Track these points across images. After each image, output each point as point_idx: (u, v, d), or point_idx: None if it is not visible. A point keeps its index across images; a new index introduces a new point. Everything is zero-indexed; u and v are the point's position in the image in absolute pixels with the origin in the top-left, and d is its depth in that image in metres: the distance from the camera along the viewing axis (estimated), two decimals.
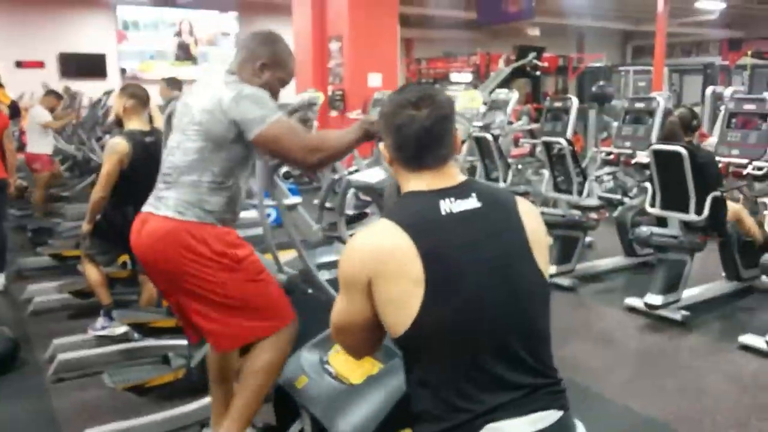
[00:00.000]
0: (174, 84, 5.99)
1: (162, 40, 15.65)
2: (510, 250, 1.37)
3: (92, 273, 3.88)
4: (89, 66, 14.45)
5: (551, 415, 1.33)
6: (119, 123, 3.91)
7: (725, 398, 3.34)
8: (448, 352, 1.32)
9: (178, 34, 15.78)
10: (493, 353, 1.32)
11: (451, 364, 1.32)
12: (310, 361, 2.57)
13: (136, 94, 3.86)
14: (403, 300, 1.31)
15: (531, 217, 1.44)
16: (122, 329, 3.77)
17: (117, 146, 3.72)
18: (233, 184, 2.26)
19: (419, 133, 1.38)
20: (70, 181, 8.23)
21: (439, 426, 1.33)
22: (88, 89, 9.80)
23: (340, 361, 2.55)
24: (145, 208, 2.34)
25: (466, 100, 5.82)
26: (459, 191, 1.39)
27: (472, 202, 1.38)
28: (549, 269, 1.47)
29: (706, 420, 3.11)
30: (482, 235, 1.36)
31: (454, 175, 1.43)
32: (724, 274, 4.90)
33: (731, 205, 4.40)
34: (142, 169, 3.71)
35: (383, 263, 1.32)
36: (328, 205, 7.06)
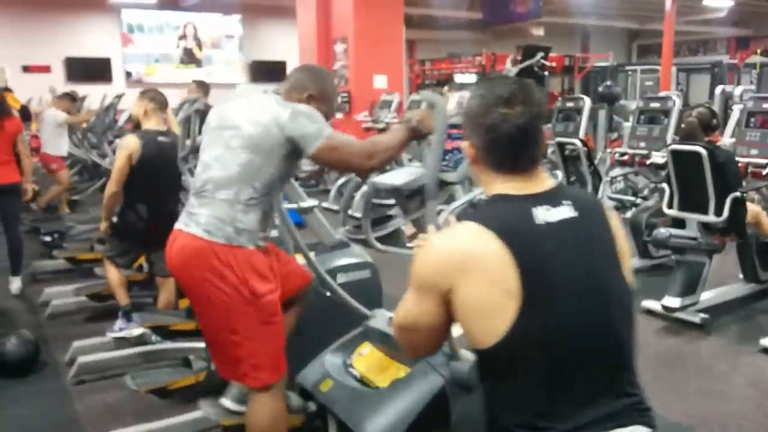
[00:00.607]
0: (203, 87, 6.05)
1: (167, 43, 15.67)
2: (604, 264, 1.32)
3: (112, 274, 3.90)
4: (95, 70, 14.46)
5: (637, 431, 1.28)
6: (137, 127, 3.93)
7: (749, 402, 3.31)
8: (540, 369, 1.25)
9: (183, 37, 15.79)
10: (583, 371, 1.27)
11: (541, 381, 1.25)
12: (334, 364, 2.57)
13: (155, 98, 3.94)
14: (494, 311, 1.23)
15: (618, 225, 1.39)
16: (139, 331, 3.77)
17: (126, 142, 3.78)
18: (268, 203, 2.26)
19: (512, 134, 1.30)
20: (80, 185, 8.24)
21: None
22: (94, 93, 9.82)
23: (364, 364, 2.55)
24: (177, 224, 2.33)
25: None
26: (552, 198, 1.32)
27: (567, 211, 1.31)
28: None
29: (731, 424, 3.09)
30: (579, 248, 1.29)
31: (543, 178, 1.36)
32: (741, 276, 4.87)
33: (750, 207, 4.38)
34: (153, 167, 3.76)
35: (471, 269, 1.24)
36: (333, 207, 7.04)
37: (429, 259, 1.33)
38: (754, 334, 4.02)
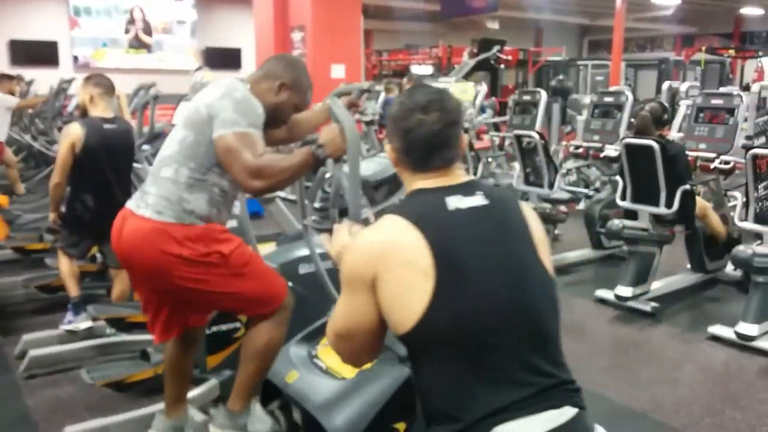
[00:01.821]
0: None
1: (115, 27, 15.22)
2: (518, 248, 1.38)
3: (64, 264, 3.78)
4: (41, 53, 13.94)
5: (565, 412, 1.28)
6: (84, 113, 3.78)
7: (699, 388, 3.44)
8: (458, 350, 1.28)
9: (131, 21, 15.36)
10: (504, 351, 1.28)
11: (460, 362, 1.28)
12: (299, 355, 2.55)
13: (101, 83, 3.76)
14: (411, 293, 1.28)
15: (532, 216, 1.47)
16: (87, 324, 3.66)
17: (69, 131, 3.64)
18: (213, 185, 2.18)
19: (428, 137, 1.40)
20: (26, 173, 7.96)
21: (449, 428, 1.28)
22: (40, 77, 9.48)
23: (329, 354, 2.54)
24: (128, 203, 2.27)
25: (458, 92, 5.83)
26: (465, 189, 1.41)
27: (479, 199, 1.39)
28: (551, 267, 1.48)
29: (682, 409, 3.20)
30: (491, 232, 1.36)
31: (459, 174, 1.46)
32: (689, 266, 5.04)
33: (698, 201, 4.53)
34: (98, 155, 3.63)
35: (389, 255, 1.31)
36: (291, 197, 6.99)
37: (354, 255, 1.39)
38: (703, 322, 4.16)
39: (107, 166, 3.69)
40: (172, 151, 2.17)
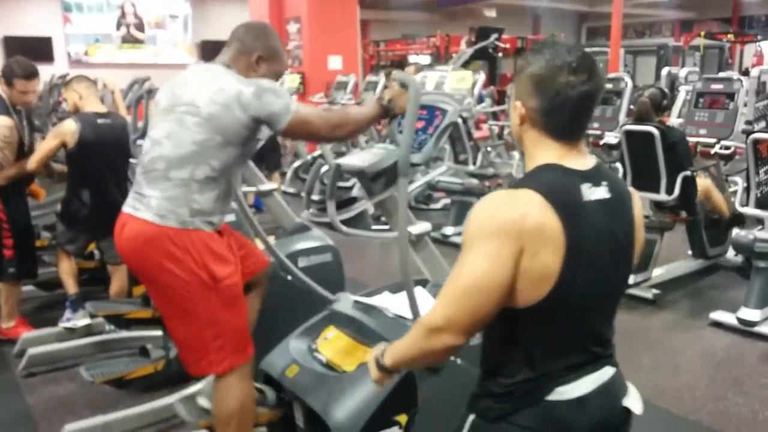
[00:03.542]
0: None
1: (108, 23, 15.13)
2: (621, 247, 1.41)
3: (62, 262, 3.77)
4: (35, 49, 13.78)
5: (607, 372, 1.43)
6: (76, 112, 3.75)
7: (701, 374, 3.43)
8: (561, 327, 1.37)
9: (123, 16, 15.28)
10: (589, 332, 1.42)
11: (551, 333, 1.37)
12: (299, 349, 2.53)
13: (85, 79, 3.79)
14: (544, 277, 1.30)
15: (640, 213, 1.48)
16: (85, 321, 3.64)
17: (63, 126, 3.61)
18: (226, 181, 2.17)
19: (576, 102, 1.33)
20: None
21: (512, 380, 1.38)
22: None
23: (329, 348, 2.52)
24: (125, 208, 2.21)
25: (456, 80, 5.77)
26: (594, 176, 1.37)
27: (604, 192, 1.37)
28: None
29: (685, 396, 3.19)
30: (608, 228, 1.37)
31: (585, 152, 1.41)
32: (690, 252, 5.02)
33: (701, 182, 4.50)
34: (93, 151, 3.60)
35: (538, 235, 1.28)
36: (290, 190, 6.93)
37: (506, 207, 1.31)
38: (704, 309, 4.15)
39: (103, 161, 3.67)
40: (186, 152, 2.08)
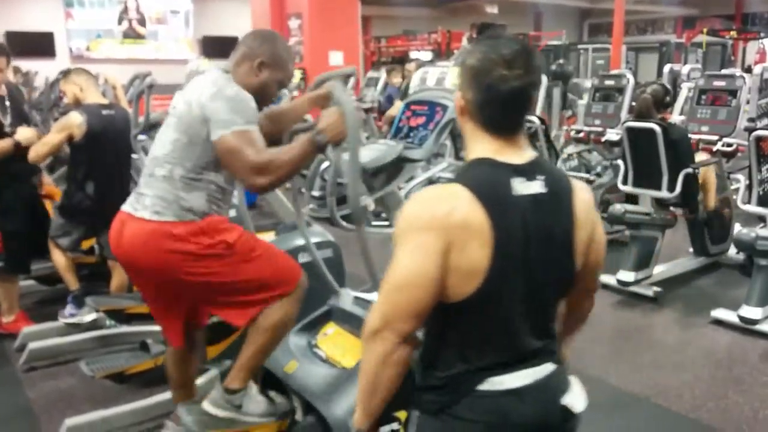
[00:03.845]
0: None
1: (109, 18, 15.12)
2: (557, 243, 1.39)
3: (58, 257, 3.75)
4: (37, 45, 13.86)
5: (546, 368, 1.42)
6: (77, 105, 3.73)
7: (702, 372, 3.42)
8: (491, 322, 1.37)
9: (125, 11, 15.26)
10: (521, 327, 1.40)
11: (488, 330, 1.38)
12: (299, 345, 2.54)
13: (83, 71, 3.76)
14: (472, 272, 1.31)
15: (583, 208, 1.42)
16: (92, 316, 3.65)
17: (69, 118, 3.55)
18: (210, 182, 2.15)
19: (507, 96, 1.32)
20: None
21: (446, 373, 1.39)
22: (37, 68, 9.42)
23: (329, 344, 2.52)
24: (125, 206, 2.23)
25: (456, 76, 5.75)
26: (529, 171, 1.36)
27: (538, 186, 1.36)
28: (599, 257, 1.49)
29: (685, 394, 3.18)
30: (539, 225, 1.36)
31: (523, 147, 1.40)
32: (691, 250, 5.01)
33: (703, 170, 4.45)
34: (100, 142, 3.58)
35: (464, 230, 1.29)
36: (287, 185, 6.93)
37: (433, 203, 1.33)
38: (705, 306, 4.14)
39: (110, 152, 3.65)
40: (166, 152, 2.13)
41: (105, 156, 3.64)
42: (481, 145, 1.38)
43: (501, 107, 1.34)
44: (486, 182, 1.33)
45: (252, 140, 2.01)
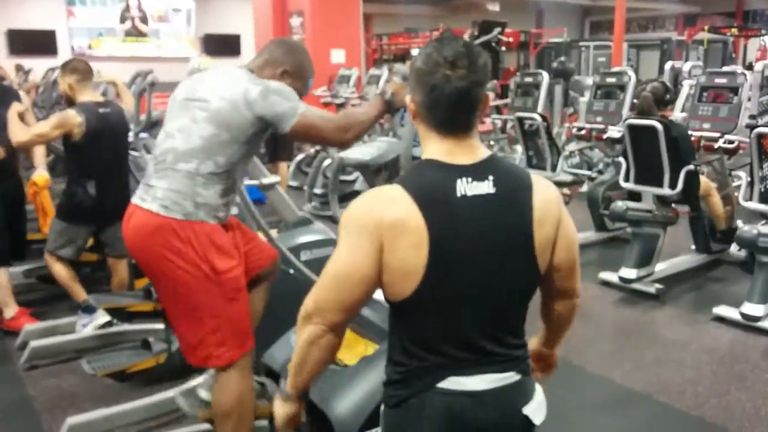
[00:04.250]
0: None
1: (111, 16, 15.11)
2: (509, 246, 1.37)
3: (60, 270, 3.64)
4: (39, 43, 13.85)
5: (510, 376, 1.42)
6: (70, 102, 3.71)
7: (704, 369, 3.42)
8: (435, 322, 1.38)
9: (127, 10, 15.26)
10: (472, 329, 1.40)
11: (435, 329, 1.39)
12: None
13: (76, 68, 3.65)
14: (408, 273, 1.32)
15: (543, 206, 1.39)
16: (105, 318, 3.58)
17: (68, 116, 3.49)
18: (230, 177, 2.18)
19: (452, 96, 1.33)
20: (25, 162, 7.91)
21: (412, 363, 1.40)
22: (39, 67, 9.41)
23: None
24: (134, 198, 2.23)
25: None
26: (478, 172, 1.35)
27: (487, 187, 1.34)
28: (569, 255, 1.46)
29: (687, 391, 3.18)
30: (487, 226, 1.34)
31: (475, 147, 1.39)
32: (693, 247, 5.00)
33: (702, 180, 4.49)
34: (98, 141, 3.54)
35: (397, 231, 1.31)
36: (293, 183, 6.94)
37: (367, 206, 1.36)
38: (707, 303, 4.14)
39: (109, 150, 3.62)
40: (194, 146, 2.11)
41: (103, 154, 3.61)
42: (431, 147, 1.39)
43: (447, 107, 1.34)
44: (427, 184, 1.34)
45: (318, 112, 2.22)
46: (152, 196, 2.14)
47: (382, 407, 1.48)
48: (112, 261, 3.86)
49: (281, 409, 1.54)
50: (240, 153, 2.15)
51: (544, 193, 1.40)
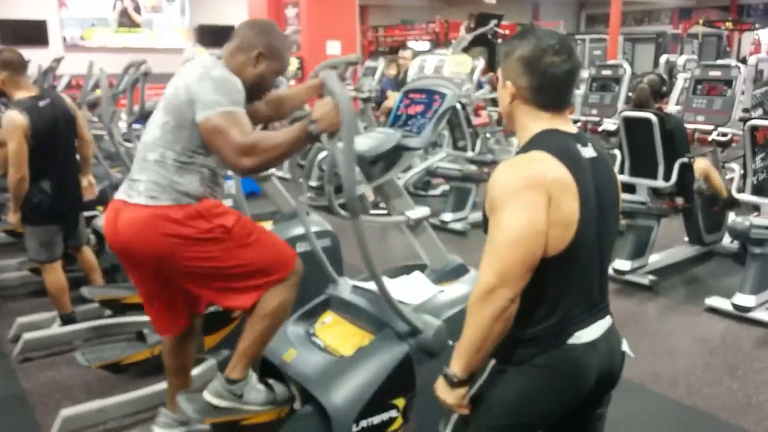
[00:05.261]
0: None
1: (104, 6, 15.00)
2: (612, 198, 1.60)
3: (54, 280, 3.55)
4: (30, 33, 13.73)
5: (608, 321, 1.62)
6: (2, 94, 3.63)
7: (697, 359, 3.44)
8: (575, 275, 1.53)
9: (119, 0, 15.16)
10: (593, 278, 1.57)
11: (570, 284, 1.53)
12: (297, 333, 2.53)
13: (9, 62, 3.44)
14: (567, 224, 1.46)
15: (615, 171, 1.68)
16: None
17: (15, 120, 3.31)
18: (202, 166, 2.14)
19: (562, 77, 1.52)
20: None
21: (534, 328, 1.52)
22: (30, 57, 9.34)
23: (327, 333, 2.52)
24: (118, 194, 2.21)
25: (455, 64, 5.74)
26: (582, 139, 1.58)
27: (592, 151, 1.56)
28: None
29: (680, 381, 3.20)
30: (602, 183, 1.56)
31: (569, 120, 1.61)
32: (686, 239, 5.02)
33: (699, 163, 4.47)
34: (45, 136, 3.40)
35: (560, 187, 1.45)
36: (287, 176, 6.91)
37: (531, 170, 1.46)
38: (700, 294, 4.16)
39: (58, 143, 3.49)
40: (156, 136, 2.13)
41: (52, 148, 3.46)
42: (540, 122, 1.55)
43: (557, 87, 1.54)
44: (561, 147, 1.51)
45: (238, 121, 1.99)
46: (137, 191, 2.13)
47: (493, 362, 1.56)
48: (76, 251, 3.81)
49: (451, 396, 1.55)
50: (194, 140, 2.08)
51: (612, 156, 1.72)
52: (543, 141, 1.52)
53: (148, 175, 2.12)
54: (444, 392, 1.56)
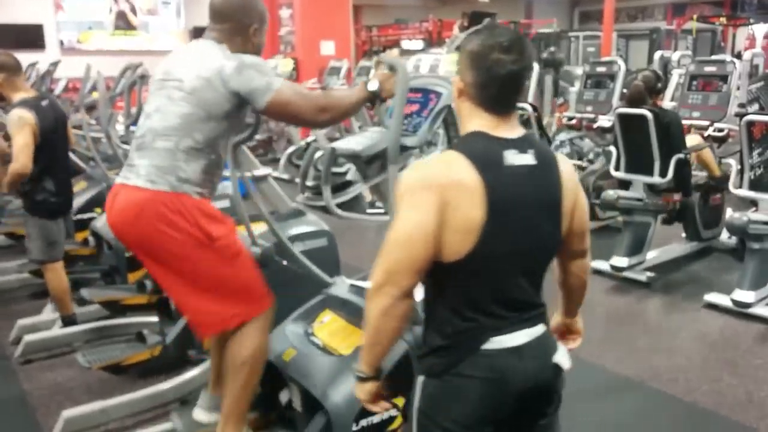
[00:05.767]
0: None
1: (100, 10, 14.98)
2: (545, 210, 1.53)
3: (57, 281, 3.56)
4: (26, 37, 13.71)
5: (540, 329, 1.56)
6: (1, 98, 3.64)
7: (695, 355, 3.45)
8: (486, 280, 1.49)
9: (115, 2, 15.13)
10: (512, 283, 1.52)
11: (485, 288, 1.50)
12: (296, 333, 2.54)
13: (5, 65, 3.48)
14: (467, 230, 1.42)
15: (567, 178, 1.56)
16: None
17: (25, 117, 3.35)
18: (211, 152, 2.19)
19: (506, 78, 1.46)
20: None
21: (449, 333, 1.50)
22: (27, 61, 9.33)
23: (326, 332, 2.53)
24: (118, 179, 2.25)
25: (450, 63, 5.75)
26: (520, 145, 1.50)
27: (529, 158, 1.49)
28: (582, 220, 1.63)
29: (680, 377, 3.21)
30: (530, 191, 1.50)
31: (515, 125, 1.53)
32: (684, 235, 5.04)
33: (690, 137, 4.45)
34: (51, 136, 3.45)
35: (457, 189, 1.41)
36: (284, 176, 6.91)
37: (430, 169, 1.46)
38: (698, 291, 4.18)
39: (58, 142, 3.55)
40: (171, 124, 2.13)
41: (55, 149, 3.52)
42: (477, 122, 1.51)
43: (498, 87, 1.47)
44: (479, 150, 1.47)
45: (295, 88, 2.18)
46: (136, 174, 2.16)
47: (421, 378, 1.55)
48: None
49: (362, 391, 1.59)
50: (220, 129, 2.16)
51: (567, 167, 1.57)
52: (466, 142, 1.49)
53: (151, 159, 2.14)
54: (356, 389, 1.60)
